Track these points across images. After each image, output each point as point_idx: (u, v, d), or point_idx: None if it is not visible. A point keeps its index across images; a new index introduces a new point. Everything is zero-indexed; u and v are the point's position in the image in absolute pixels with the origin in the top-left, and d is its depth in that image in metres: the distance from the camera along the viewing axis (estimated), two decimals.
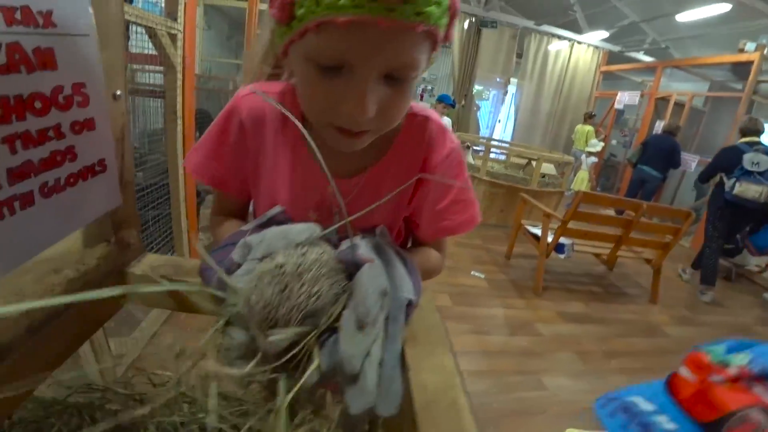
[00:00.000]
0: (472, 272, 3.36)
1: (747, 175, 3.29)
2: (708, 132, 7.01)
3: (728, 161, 3.47)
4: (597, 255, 3.62)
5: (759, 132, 3.44)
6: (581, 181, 5.93)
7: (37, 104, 0.37)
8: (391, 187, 0.61)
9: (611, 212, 4.39)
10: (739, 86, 6.55)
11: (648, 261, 3.43)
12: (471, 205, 0.66)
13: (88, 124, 0.43)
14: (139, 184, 1.95)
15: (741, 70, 5.94)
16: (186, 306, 0.55)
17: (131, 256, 0.56)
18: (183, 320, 2.09)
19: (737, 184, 3.32)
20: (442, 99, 4.83)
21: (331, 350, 0.35)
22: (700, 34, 6.73)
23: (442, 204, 0.64)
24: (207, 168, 0.62)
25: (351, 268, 0.41)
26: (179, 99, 1.95)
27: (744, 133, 3.53)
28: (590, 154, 6.04)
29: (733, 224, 3.60)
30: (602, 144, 6.43)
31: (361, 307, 0.35)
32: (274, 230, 0.45)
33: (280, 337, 0.34)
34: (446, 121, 3.93)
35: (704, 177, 3.81)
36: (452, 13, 0.44)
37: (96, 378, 1.25)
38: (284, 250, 0.40)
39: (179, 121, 1.98)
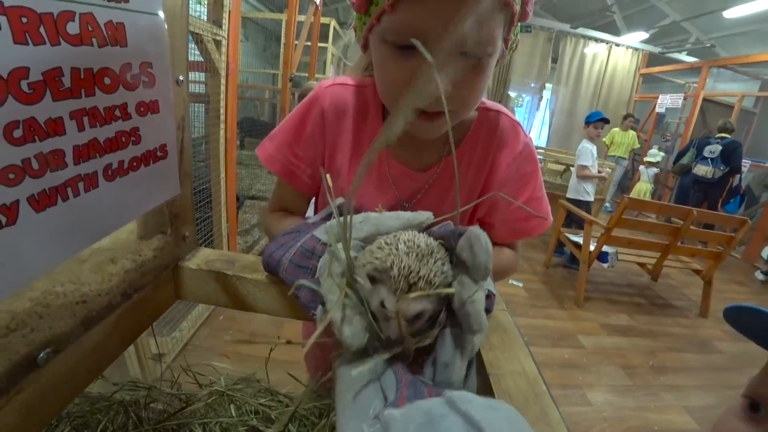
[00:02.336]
0: (510, 281, 3.25)
1: (703, 159, 4.79)
2: (760, 134, 6.59)
3: (698, 149, 4.93)
4: (641, 264, 3.42)
5: (729, 131, 4.71)
6: (639, 193, 5.68)
7: (106, 80, 0.35)
8: (462, 180, 0.59)
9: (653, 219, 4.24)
10: None
11: (697, 272, 3.22)
12: (544, 203, 0.63)
13: (153, 107, 0.42)
14: None
15: None
16: (239, 302, 0.52)
17: (186, 250, 0.54)
18: (221, 322, 2.11)
19: (696, 166, 4.86)
20: (587, 121, 3.58)
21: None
22: (749, 31, 6.36)
23: (516, 203, 0.61)
24: (280, 157, 0.61)
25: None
26: (223, 104, 1.99)
27: (720, 130, 4.78)
28: (650, 164, 5.80)
29: (698, 198, 4.92)
30: (663, 154, 6.14)
31: (482, 268, 0.33)
32: (378, 214, 0.44)
33: (421, 293, 0.33)
34: (589, 148, 3.47)
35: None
36: None
37: (138, 375, 1.27)
38: (406, 231, 0.38)
39: (222, 126, 2.01)
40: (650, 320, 3.01)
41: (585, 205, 3.52)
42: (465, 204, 0.62)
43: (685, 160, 5.20)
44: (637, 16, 7.41)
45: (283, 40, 4.83)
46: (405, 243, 0.35)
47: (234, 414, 0.62)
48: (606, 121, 3.55)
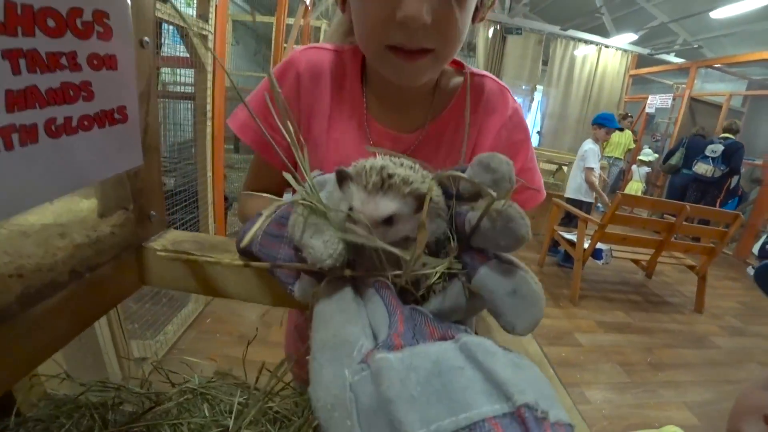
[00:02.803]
0: None
1: (704, 158, 4.82)
2: (749, 132, 6.66)
3: (696, 147, 5.01)
4: (636, 261, 3.41)
5: (734, 132, 4.82)
6: (631, 192, 5.69)
7: (50, 22, 0.31)
8: (449, 144, 0.56)
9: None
10: None
11: (691, 267, 3.23)
12: (537, 174, 0.61)
13: (110, 62, 0.37)
14: (169, 190, 1.95)
15: None
16: (210, 288, 0.47)
17: (152, 230, 0.49)
18: (209, 325, 2.05)
19: (696, 164, 4.89)
20: (602, 122, 3.47)
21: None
22: (735, 32, 6.46)
23: None
24: (254, 125, 0.57)
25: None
26: (209, 100, 1.94)
27: (725, 130, 4.88)
28: (642, 163, 5.81)
29: (696, 196, 4.95)
30: (656, 155, 6.18)
31: (507, 179, 0.29)
32: None
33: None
34: (595, 150, 3.40)
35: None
36: None
37: (116, 378, 1.21)
38: None
39: (209, 123, 1.96)
40: (646, 317, 2.99)
41: (586, 206, 3.50)
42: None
43: (673, 160, 5.31)
44: (626, 18, 7.49)
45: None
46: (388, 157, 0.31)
47: (207, 414, 0.57)
48: (621, 129, 3.49)
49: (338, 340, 0.23)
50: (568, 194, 3.59)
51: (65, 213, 0.45)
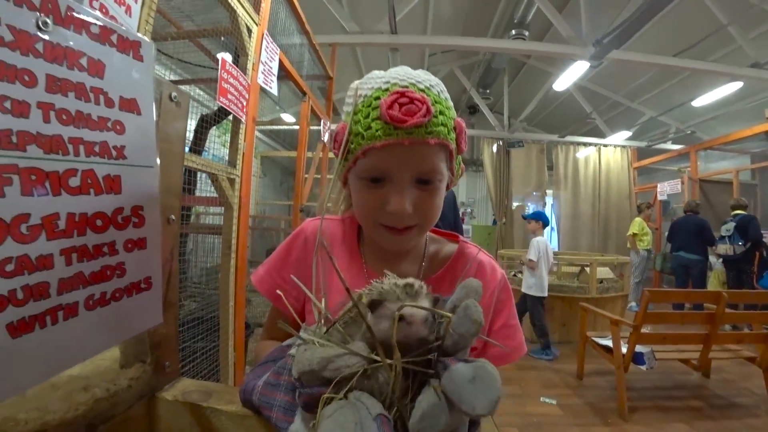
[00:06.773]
0: (542, 398, 2.94)
1: (721, 239, 4.96)
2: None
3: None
4: (685, 361, 3.09)
5: (743, 207, 4.94)
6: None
7: (98, 222, 0.41)
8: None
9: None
10: None
11: (751, 360, 2.89)
12: (519, 331, 0.68)
13: (140, 243, 0.47)
14: (194, 318, 2.04)
15: None
16: None
17: (165, 380, 0.54)
18: None
19: (718, 246, 5.01)
20: (535, 217, 3.95)
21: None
22: (721, 114, 6.86)
23: (493, 327, 0.66)
24: (270, 280, 0.70)
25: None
26: (234, 235, 2.13)
27: (733, 208, 4.98)
28: None
29: (734, 275, 4.99)
30: None
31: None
32: None
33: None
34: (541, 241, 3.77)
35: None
36: (458, 131, 0.58)
37: None
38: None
39: (233, 255, 2.13)
40: (715, 427, 2.59)
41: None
42: None
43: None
44: (617, 119, 8.06)
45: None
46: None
47: None
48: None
49: None
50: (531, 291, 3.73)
51: (89, 364, 0.51)
